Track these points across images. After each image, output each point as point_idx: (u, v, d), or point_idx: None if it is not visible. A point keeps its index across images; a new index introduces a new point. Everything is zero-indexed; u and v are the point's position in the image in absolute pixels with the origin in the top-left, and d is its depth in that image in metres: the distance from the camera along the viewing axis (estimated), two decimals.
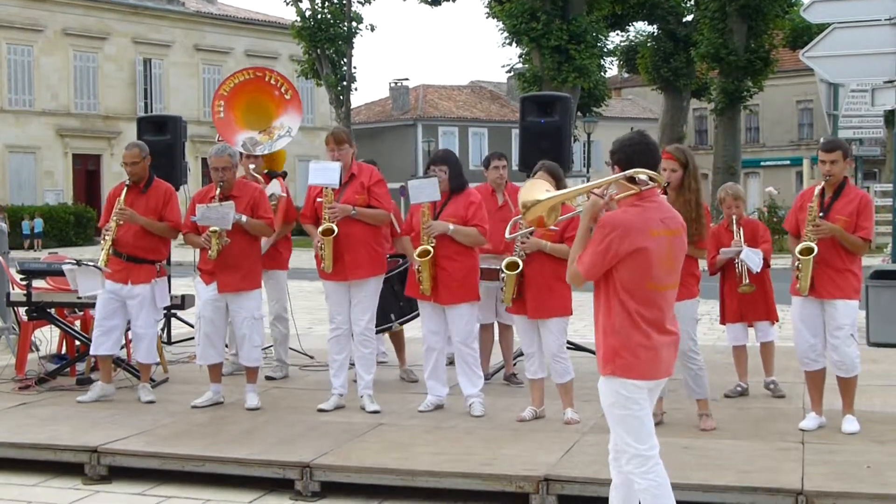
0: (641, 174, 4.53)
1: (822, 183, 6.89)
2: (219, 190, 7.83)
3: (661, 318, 4.57)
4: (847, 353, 6.85)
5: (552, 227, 7.24)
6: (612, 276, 4.52)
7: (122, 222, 8.05)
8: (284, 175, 9.94)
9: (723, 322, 8.43)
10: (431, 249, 7.47)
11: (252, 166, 9.38)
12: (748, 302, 8.16)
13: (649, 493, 4.57)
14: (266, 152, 9.83)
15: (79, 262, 8.13)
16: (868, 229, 6.83)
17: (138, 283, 8.13)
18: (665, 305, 4.60)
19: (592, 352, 9.52)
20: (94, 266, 8.06)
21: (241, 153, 9.66)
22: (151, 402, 8.13)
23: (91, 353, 8.41)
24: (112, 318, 8.17)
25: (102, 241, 8.14)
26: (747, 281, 7.98)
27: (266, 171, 9.66)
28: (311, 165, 7.71)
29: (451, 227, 7.48)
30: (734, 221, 8.14)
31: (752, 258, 7.92)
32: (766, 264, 8.12)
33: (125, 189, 8.18)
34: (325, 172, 7.64)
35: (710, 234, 8.29)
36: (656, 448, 4.61)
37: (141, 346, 8.25)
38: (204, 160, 44.95)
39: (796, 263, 6.87)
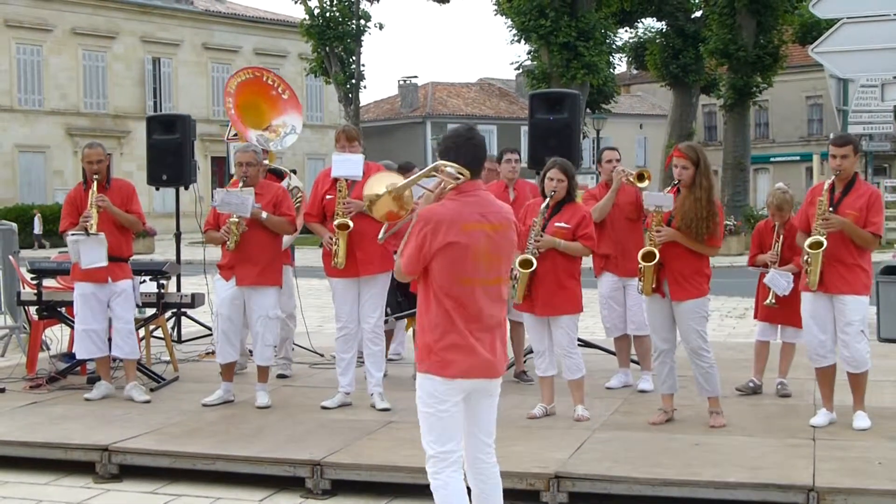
0: (449, 167, 4.46)
1: (833, 178, 6.86)
2: (242, 184, 7.85)
3: (481, 315, 4.45)
4: (857, 350, 6.82)
5: (564, 225, 7.29)
6: (429, 271, 4.44)
7: (100, 210, 8.03)
8: (294, 171, 9.97)
9: (756, 317, 8.38)
10: None
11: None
12: (778, 306, 8.05)
13: (437, 494, 4.46)
14: (276, 149, 9.90)
15: (87, 231, 7.98)
16: (878, 224, 6.79)
17: (120, 279, 8.20)
18: (487, 302, 4.47)
19: (603, 349, 9.59)
20: (102, 235, 7.97)
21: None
22: (147, 401, 8.10)
23: (80, 357, 8.44)
24: (94, 321, 8.19)
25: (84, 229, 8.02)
26: (773, 300, 7.91)
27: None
28: (335, 157, 7.68)
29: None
30: (777, 227, 8.04)
31: (778, 282, 7.80)
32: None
33: (94, 184, 8.11)
34: (349, 165, 7.62)
35: (755, 231, 8.31)
36: (457, 453, 4.47)
37: (128, 341, 8.26)
38: (213, 159, 45.20)
39: (805, 258, 6.85)
